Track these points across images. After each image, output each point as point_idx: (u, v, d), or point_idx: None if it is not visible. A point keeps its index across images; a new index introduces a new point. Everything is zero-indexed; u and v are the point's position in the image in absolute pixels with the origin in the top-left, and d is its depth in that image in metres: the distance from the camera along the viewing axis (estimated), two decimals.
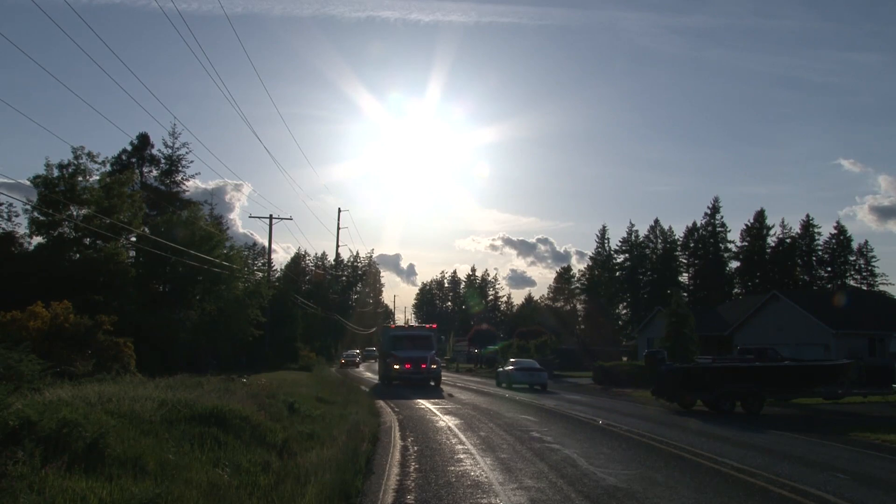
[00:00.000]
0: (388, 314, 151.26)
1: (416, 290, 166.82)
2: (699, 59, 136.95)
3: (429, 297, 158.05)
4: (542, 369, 39.90)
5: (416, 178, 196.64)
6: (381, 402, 27.43)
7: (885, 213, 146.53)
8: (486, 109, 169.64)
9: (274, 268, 72.54)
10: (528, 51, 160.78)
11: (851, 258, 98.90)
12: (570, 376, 54.64)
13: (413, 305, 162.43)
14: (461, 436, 16.87)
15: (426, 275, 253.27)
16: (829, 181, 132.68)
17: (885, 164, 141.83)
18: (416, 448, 14.82)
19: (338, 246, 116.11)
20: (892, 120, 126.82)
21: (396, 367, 36.98)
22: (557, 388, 39.77)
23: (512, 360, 44.57)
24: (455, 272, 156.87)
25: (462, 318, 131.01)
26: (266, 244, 67.91)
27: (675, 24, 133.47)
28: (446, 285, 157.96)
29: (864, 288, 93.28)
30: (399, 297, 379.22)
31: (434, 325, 43.55)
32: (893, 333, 43.71)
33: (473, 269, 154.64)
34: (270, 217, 55.55)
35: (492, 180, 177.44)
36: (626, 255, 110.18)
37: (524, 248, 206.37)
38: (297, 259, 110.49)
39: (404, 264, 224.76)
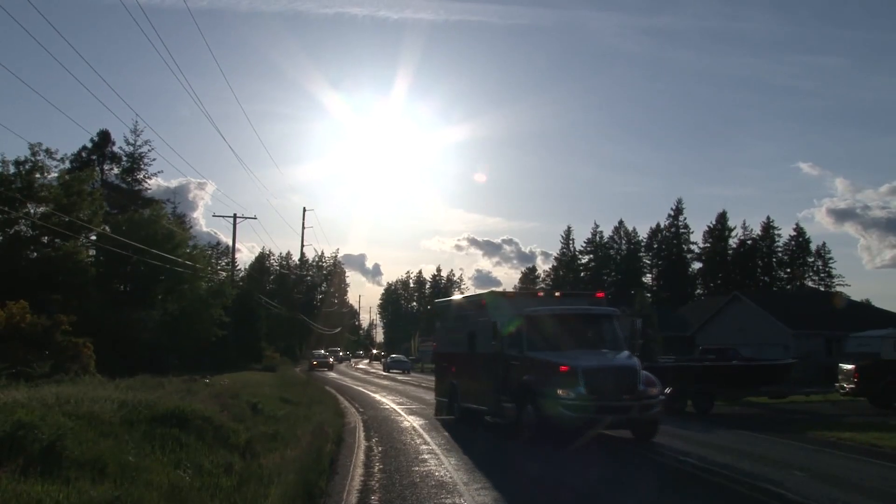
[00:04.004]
0: (354, 314, 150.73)
1: (381, 290, 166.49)
2: (665, 59, 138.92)
3: (394, 298, 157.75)
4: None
5: (383, 178, 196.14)
6: (346, 403, 27.32)
7: (842, 215, 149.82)
8: (453, 108, 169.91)
9: (238, 267, 72.01)
10: (496, 50, 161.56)
11: (810, 259, 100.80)
12: None
13: (378, 305, 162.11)
14: (426, 436, 16.85)
15: (392, 275, 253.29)
16: (788, 183, 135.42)
17: (842, 168, 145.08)
18: (380, 448, 14.78)
19: (302, 245, 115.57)
20: (850, 124, 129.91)
21: (561, 392, 14.73)
22: None
23: None
24: (421, 272, 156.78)
25: (427, 319, 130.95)
26: (230, 243, 67.18)
27: (642, 25, 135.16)
28: (412, 285, 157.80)
29: (822, 289, 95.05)
30: (364, 297, 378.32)
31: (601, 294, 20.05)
32: (849, 334, 44.55)
33: (439, 270, 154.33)
34: (234, 216, 55.07)
35: (458, 180, 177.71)
36: (591, 255, 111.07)
37: (490, 248, 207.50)
38: (262, 259, 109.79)
39: (370, 264, 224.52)
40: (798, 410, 24.95)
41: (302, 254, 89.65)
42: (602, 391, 14.72)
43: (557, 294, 19.11)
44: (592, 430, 15.11)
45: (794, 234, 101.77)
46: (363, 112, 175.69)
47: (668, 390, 20.91)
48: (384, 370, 69.74)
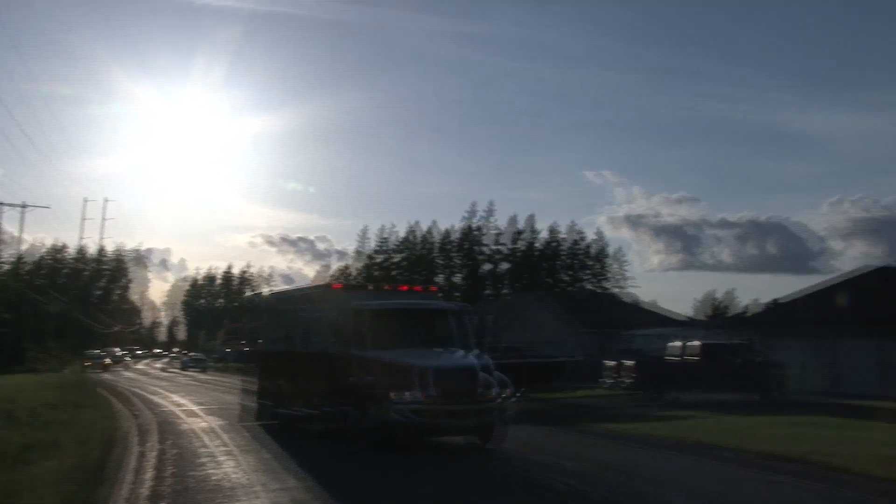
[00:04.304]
0: (154, 311, 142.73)
1: (185, 285, 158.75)
2: (473, 64, 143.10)
3: (199, 294, 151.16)
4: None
5: (189, 170, 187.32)
6: (138, 405, 25.74)
7: (635, 221, 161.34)
8: (260, 100, 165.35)
9: (24, 261, 65.70)
10: (305, 43, 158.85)
11: (591, 263, 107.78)
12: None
13: (182, 302, 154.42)
14: (225, 437, 16.17)
15: (197, 270, 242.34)
16: (590, 189, 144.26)
17: (637, 176, 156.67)
18: (174, 452, 13.97)
19: (81, 237, 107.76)
20: (643, 135, 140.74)
21: (400, 394, 13.44)
22: None
23: None
24: (229, 268, 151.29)
25: (233, 316, 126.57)
26: (16, 234, 61.28)
27: (453, 29, 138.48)
28: (218, 281, 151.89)
29: (616, 290, 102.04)
30: (167, 294, 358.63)
31: (435, 288, 23.61)
32: (624, 332, 48.15)
33: (248, 266, 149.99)
34: (24, 205, 50.45)
35: (266, 174, 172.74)
36: (402, 253, 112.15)
37: (299, 245, 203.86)
38: (55, 252, 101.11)
39: (174, 259, 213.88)
40: (583, 405, 26.52)
41: (81, 247, 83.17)
42: (445, 393, 13.41)
43: (393, 288, 18.31)
44: (434, 436, 14.38)
45: (594, 237, 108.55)
46: (169, 101, 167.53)
47: None
48: (182, 369, 67.67)
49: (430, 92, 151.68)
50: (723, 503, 10.21)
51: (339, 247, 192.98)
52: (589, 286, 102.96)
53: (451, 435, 14.45)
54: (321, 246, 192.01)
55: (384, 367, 13.95)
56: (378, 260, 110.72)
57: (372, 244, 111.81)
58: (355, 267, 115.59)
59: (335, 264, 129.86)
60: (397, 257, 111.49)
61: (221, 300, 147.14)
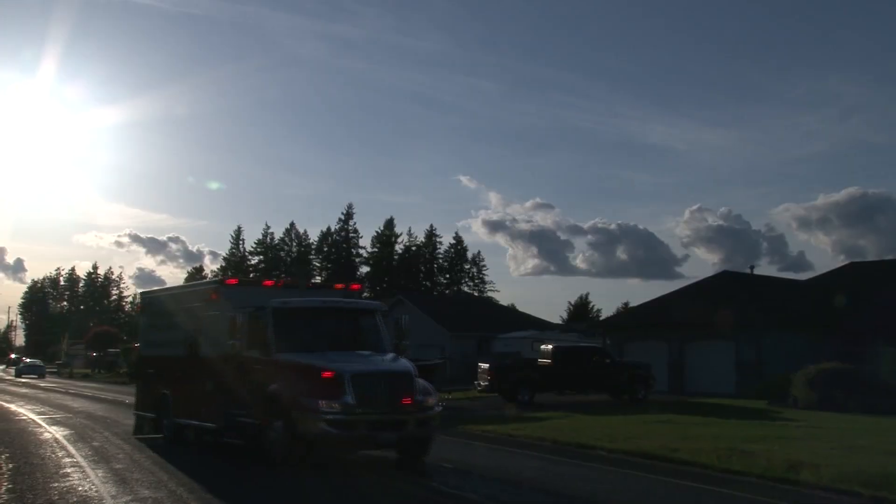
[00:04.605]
0: None
1: (24, 287, 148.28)
2: (339, 66, 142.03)
3: (40, 297, 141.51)
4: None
5: (29, 166, 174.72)
6: None
7: (495, 226, 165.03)
8: (110, 93, 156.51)
9: None
10: (164, 37, 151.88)
11: (467, 266, 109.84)
12: None
13: (19, 305, 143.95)
14: (70, 448, 15.20)
15: (38, 271, 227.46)
16: (449, 194, 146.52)
17: (496, 182, 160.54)
18: (11, 465, 12.96)
19: None
20: (503, 142, 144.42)
21: (323, 403, 11.88)
22: None
23: None
24: (74, 269, 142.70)
25: (80, 320, 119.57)
26: None
27: (319, 30, 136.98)
28: (62, 283, 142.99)
29: (476, 294, 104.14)
30: (2, 297, 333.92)
31: (357, 286, 20.22)
32: (498, 335, 49.33)
33: (95, 267, 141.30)
34: None
35: (118, 171, 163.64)
36: (261, 256, 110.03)
37: (154, 246, 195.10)
38: None
39: (10, 259, 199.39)
40: (449, 407, 26.89)
41: None
42: (373, 402, 11.95)
43: (302, 284, 16.24)
44: (359, 450, 12.93)
45: (454, 242, 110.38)
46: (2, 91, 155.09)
47: None
48: (16, 376, 63.58)
49: (296, 92, 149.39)
50: (568, 495, 10.71)
51: (192, 248, 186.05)
52: (466, 289, 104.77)
53: (388, 447, 12.58)
54: (174, 247, 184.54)
55: (309, 374, 12.28)
56: (253, 261, 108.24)
57: (247, 245, 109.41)
58: (211, 270, 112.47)
59: (209, 265, 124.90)
60: (255, 259, 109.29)
61: (65, 303, 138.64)
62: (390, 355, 13.58)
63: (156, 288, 27.38)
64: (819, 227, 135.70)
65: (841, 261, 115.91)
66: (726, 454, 13.03)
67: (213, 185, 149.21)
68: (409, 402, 12.23)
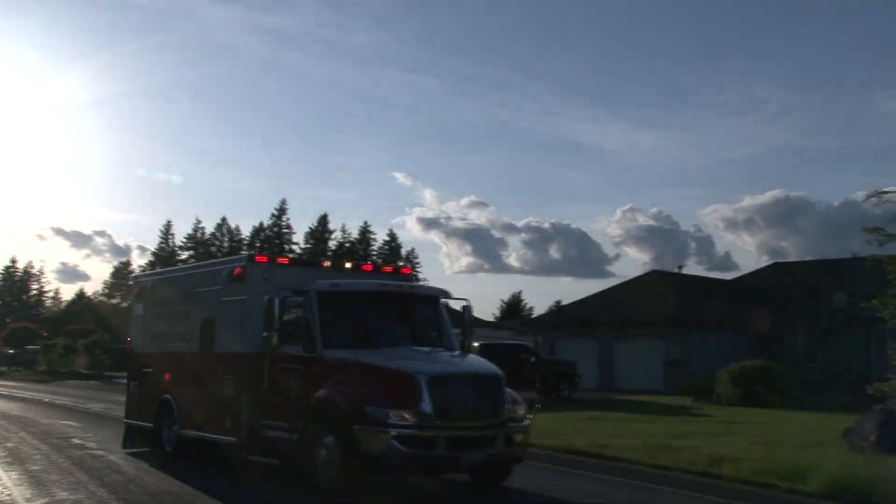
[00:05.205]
0: None
1: None
2: (275, 59, 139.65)
3: None
4: None
5: None
6: None
7: (429, 223, 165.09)
8: (23, 76, 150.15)
9: None
10: (89, 15, 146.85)
11: (401, 263, 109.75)
12: (125, 377, 51.20)
13: None
14: None
15: None
16: (384, 191, 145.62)
17: (431, 180, 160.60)
18: None
19: None
20: (439, 140, 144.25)
21: (394, 414, 9.42)
22: (109, 391, 36.94)
23: None
24: None
25: (17, 315, 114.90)
26: None
27: (256, 22, 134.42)
28: None
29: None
30: None
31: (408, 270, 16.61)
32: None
33: (13, 261, 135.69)
34: None
35: (42, 161, 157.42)
36: (192, 251, 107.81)
37: (78, 239, 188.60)
38: None
39: None
40: None
41: None
42: (456, 412, 9.67)
43: (350, 265, 13.19)
44: (436, 474, 10.60)
45: (388, 238, 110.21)
46: None
47: None
48: None
49: (228, 84, 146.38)
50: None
51: (119, 242, 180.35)
52: None
53: (469, 471, 10.44)
54: (100, 241, 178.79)
55: (374, 375, 10.04)
56: (183, 256, 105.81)
57: (177, 240, 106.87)
58: (139, 265, 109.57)
59: (137, 260, 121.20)
60: (185, 255, 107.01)
61: None
62: (460, 353, 11.43)
63: (161, 270, 23.59)
64: (744, 228, 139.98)
65: (765, 261, 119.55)
66: (653, 450, 13.27)
67: (175, 179, 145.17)
68: (499, 413, 10.06)
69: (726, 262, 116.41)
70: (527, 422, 10.53)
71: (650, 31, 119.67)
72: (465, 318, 12.29)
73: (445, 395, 9.59)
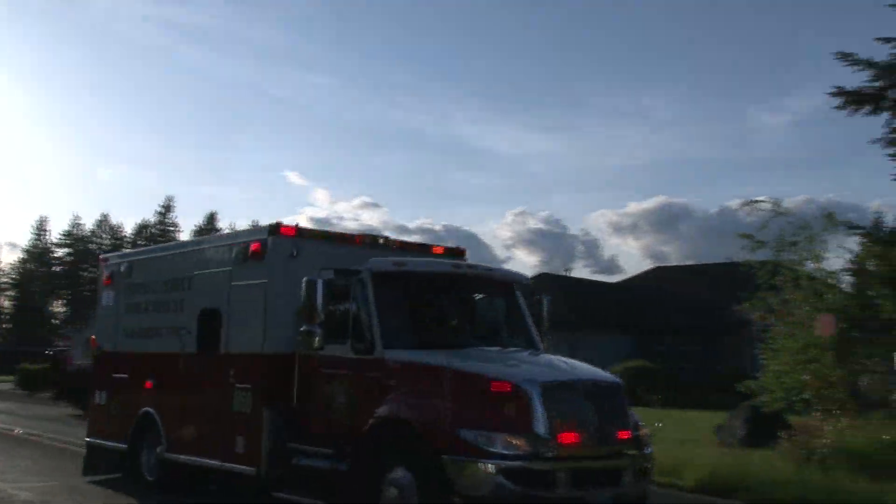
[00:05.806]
0: None
1: None
2: (170, 52, 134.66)
3: None
4: None
5: None
6: None
7: (320, 224, 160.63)
8: None
9: None
10: None
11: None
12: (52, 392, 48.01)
13: None
14: None
15: None
16: (276, 190, 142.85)
17: (324, 180, 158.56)
18: None
19: None
20: (334, 140, 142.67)
21: (501, 440, 6.87)
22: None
23: None
24: None
25: None
26: None
27: (150, 13, 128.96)
28: None
29: None
30: None
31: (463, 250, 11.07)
32: None
33: None
34: None
35: None
36: (69, 248, 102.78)
37: None
38: None
39: None
40: None
41: None
42: (579, 436, 7.27)
43: (396, 243, 10.35)
44: None
45: None
46: None
47: None
48: None
49: (119, 75, 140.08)
50: None
51: None
52: None
53: None
54: None
55: (467, 386, 7.46)
56: (58, 253, 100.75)
57: (53, 237, 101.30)
58: (9, 262, 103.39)
59: (7, 257, 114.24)
60: (60, 252, 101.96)
61: None
62: (549, 355, 9.20)
63: (134, 250, 18.57)
64: (630, 232, 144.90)
65: (648, 265, 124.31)
66: None
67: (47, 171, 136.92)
68: (627, 435, 7.66)
69: (612, 266, 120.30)
70: (651, 449, 8.04)
71: (545, 35, 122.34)
72: (542, 312, 10.14)
73: (563, 412, 7.18)
